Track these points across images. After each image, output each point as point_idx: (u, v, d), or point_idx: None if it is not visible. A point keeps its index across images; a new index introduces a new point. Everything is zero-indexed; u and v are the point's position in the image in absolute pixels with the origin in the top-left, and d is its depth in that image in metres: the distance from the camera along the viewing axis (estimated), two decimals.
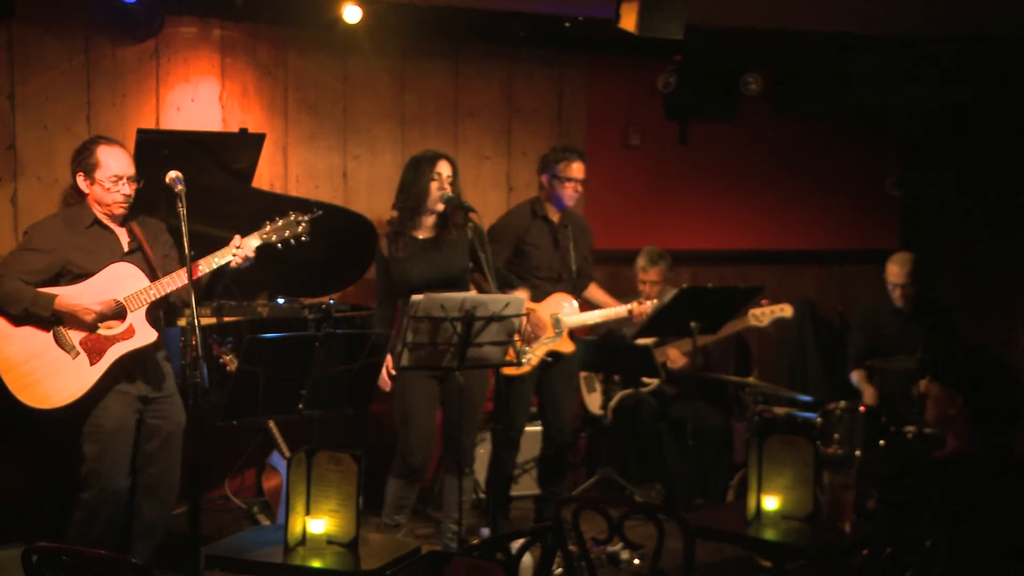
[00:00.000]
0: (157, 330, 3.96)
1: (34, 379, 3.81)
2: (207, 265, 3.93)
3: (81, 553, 2.44)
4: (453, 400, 4.48)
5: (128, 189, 3.95)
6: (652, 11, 4.58)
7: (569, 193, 5.07)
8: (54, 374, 3.82)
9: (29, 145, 5.16)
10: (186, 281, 3.78)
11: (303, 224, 4.05)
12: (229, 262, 3.96)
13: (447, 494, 4.64)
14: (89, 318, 3.82)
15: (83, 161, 3.95)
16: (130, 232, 4.03)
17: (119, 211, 3.97)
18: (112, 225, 4.00)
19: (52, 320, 3.82)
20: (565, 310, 5.06)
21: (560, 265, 5.10)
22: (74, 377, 3.83)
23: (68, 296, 3.84)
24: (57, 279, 3.91)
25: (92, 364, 3.84)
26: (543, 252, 5.07)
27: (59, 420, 3.87)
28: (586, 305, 5.31)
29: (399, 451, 4.55)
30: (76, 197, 4.08)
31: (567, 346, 5.07)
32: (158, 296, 3.90)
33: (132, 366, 3.94)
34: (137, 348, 3.90)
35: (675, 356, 5.68)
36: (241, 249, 3.95)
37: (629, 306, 5.19)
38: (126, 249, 3.99)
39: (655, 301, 5.22)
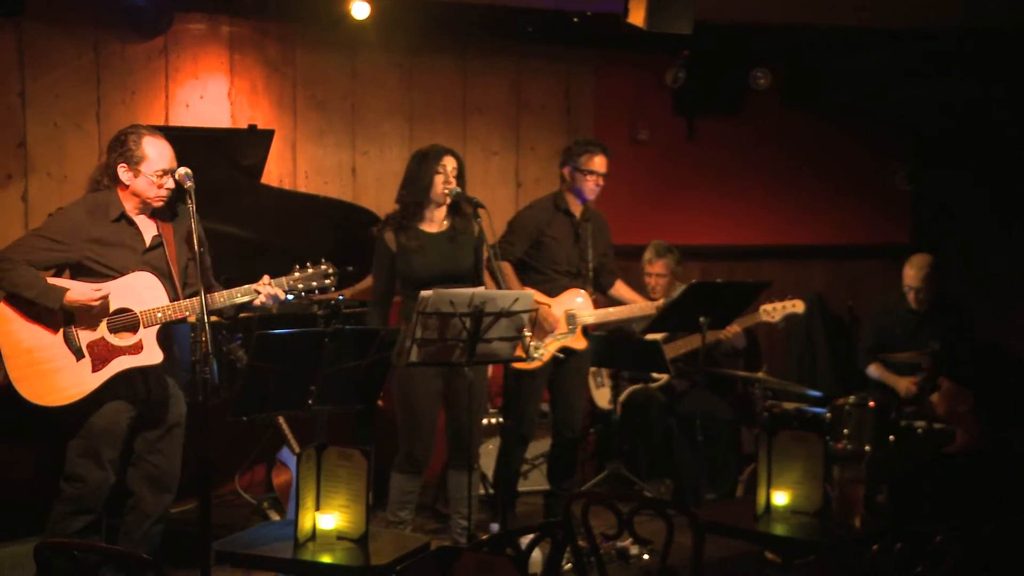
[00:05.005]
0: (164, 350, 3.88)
1: (34, 371, 3.74)
2: (228, 299, 3.86)
3: (94, 548, 2.45)
4: (460, 395, 4.50)
5: (171, 184, 3.87)
6: (660, 6, 4.58)
7: (590, 186, 5.04)
8: (55, 372, 3.75)
9: (39, 142, 5.18)
10: (205, 309, 3.72)
11: (331, 279, 3.97)
12: (252, 300, 3.89)
13: (453, 489, 4.66)
14: (95, 302, 3.73)
15: (127, 152, 3.83)
16: (157, 226, 3.95)
17: (159, 204, 3.90)
18: (139, 218, 3.92)
19: (62, 315, 3.75)
20: (580, 306, 5.05)
21: (578, 260, 5.09)
22: (74, 380, 3.76)
23: (79, 291, 3.76)
24: (73, 275, 3.85)
25: (94, 371, 3.77)
26: (562, 246, 5.06)
27: (58, 415, 3.80)
28: (611, 302, 5.29)
29: (402, 447, 4.57)
30: (102, 183, 3.92)
31: (580, 343, 5.05)
32: (173, 319, 3.84)
33: (135, 376, 3.87)
34: (141, 366, 3.83)
35: (732, 328, 5.53)
36: (265, 290, 3.88)
37: (657, 303, 5.18)
38: (148, 244, 3.90)
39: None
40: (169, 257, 3.93)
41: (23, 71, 5.12)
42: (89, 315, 3.77)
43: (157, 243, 3.93)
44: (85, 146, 5.26)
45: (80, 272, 3.84)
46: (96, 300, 3.75)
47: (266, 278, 3.93)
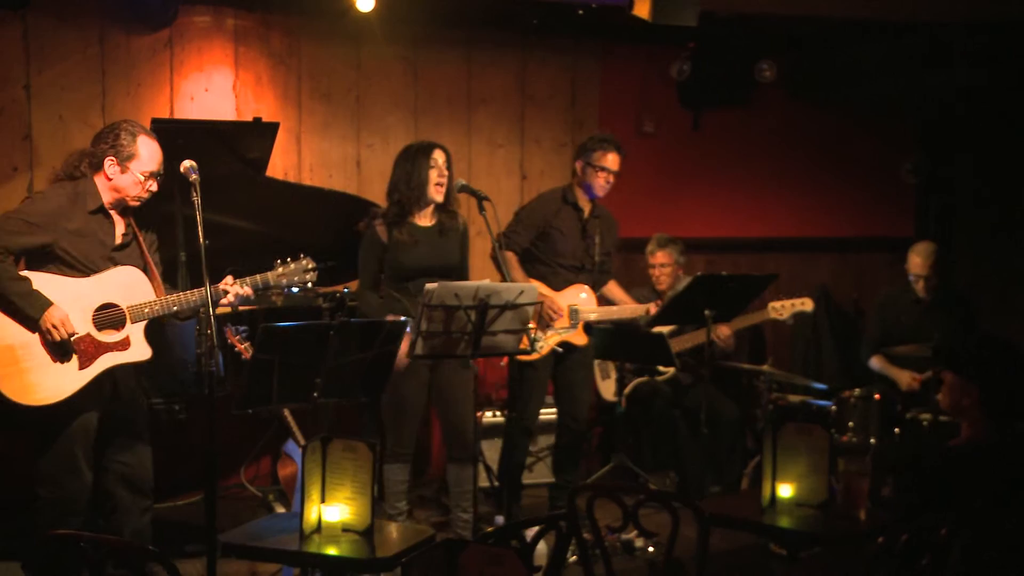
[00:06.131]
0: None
1: (20, 368, 3.63)
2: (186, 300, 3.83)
3: (100, 541, 2.46)
4: (450, 387, 4.49)
5: (155, 187, 3.83)
6: None
7: (600, 183, 5.05)
8: (41, 368, 3.64)
9: (45, 135, 5.19)
10: (192, 301, 3.72)
11: (312, 273, 3.98)
12: (219, 299, 3.84)
13: (452, 483, 4.66)
14: (62, 337, 3.62)
15: (119, 146, 3.78)
16: (127, 224, 3.89)
17: (135, 204, 3.85)
18: (114, 213, 3.86)
19: (35, 321, 3.61)
20: (583, 301, 5.05)
21: (583, 255, 5.09)
22: (61, 377, 3.66)
23: (59, 307, 3.64)
24: (37, 261, 3.72)
25: (81, 368, 3.69)
26: (568, 239, 5.06)
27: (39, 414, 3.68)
28: (603, 301, 5.28)
29: (389, 437, 4.58)
30: (79, 169, 3.84)
31: (580, 339, 5.05)
32: (161, 313, 3.79)
33: (105, 374, 3.77)
34: (129, 362, 3.78)
35: (724, 332, 5.55)
36: (233, 290, 3.86)
37: (648, 306, 5.19)
38: (118, 241, 3.84)
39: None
40: (144, 254, 3.87)
41: (28, 64, 5.13)
42: (73, 312, 3.67)
43: (128, 240, 3.87)
44: (90, 139, 5.24)
45: (45, 260, 3.71)
46: (67, 335, 3.65)
47: (229, 279, 3.89)
